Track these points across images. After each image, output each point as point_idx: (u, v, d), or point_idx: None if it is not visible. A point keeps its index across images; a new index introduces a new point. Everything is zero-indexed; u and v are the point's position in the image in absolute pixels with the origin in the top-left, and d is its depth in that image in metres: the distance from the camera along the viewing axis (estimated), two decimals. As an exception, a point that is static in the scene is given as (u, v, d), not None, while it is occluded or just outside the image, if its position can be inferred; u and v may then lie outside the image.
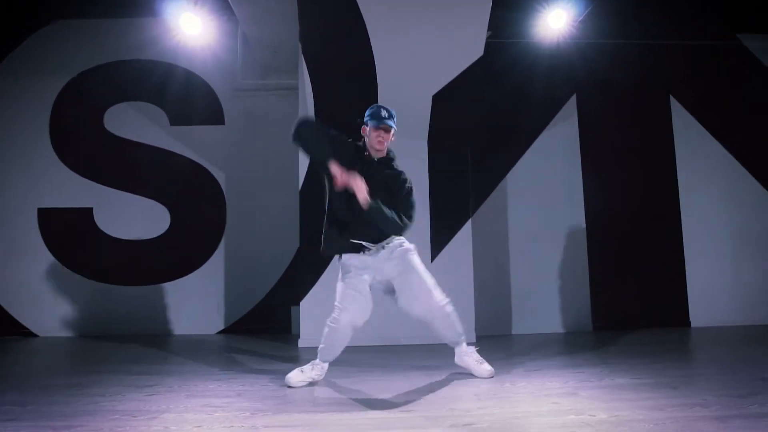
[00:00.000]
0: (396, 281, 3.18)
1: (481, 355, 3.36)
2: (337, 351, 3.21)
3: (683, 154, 6.06)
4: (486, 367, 3.26)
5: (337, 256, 3.27)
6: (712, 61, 6.16)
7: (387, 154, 3.27)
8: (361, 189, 2.96)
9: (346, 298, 3.11)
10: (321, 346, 3.20)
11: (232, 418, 2.35)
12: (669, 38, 6.09)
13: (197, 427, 2.22)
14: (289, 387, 3.03)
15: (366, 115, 3.27)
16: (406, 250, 3.21)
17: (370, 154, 3.21)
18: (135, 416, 2.37)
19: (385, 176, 3.19)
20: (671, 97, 6.10)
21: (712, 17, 6.06)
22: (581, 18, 5.68)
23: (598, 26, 5.88)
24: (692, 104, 6.10)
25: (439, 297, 3.22)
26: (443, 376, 3.31)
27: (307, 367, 3.16)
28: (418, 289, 3.16)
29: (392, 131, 3.22)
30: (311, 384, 3.11)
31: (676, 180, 6.02)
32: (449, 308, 3.24)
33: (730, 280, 5.91)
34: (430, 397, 2.79)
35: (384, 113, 3.19)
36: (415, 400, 2.69)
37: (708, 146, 6.10)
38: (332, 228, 3.15)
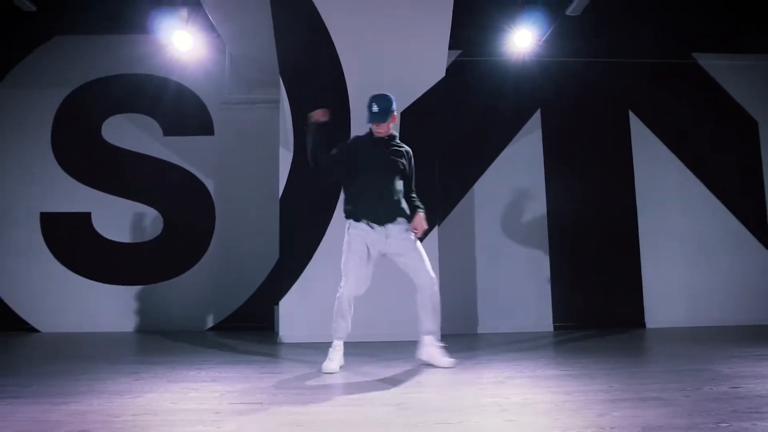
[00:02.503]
0: (398, 258, 3.66)
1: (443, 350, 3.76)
2: (346, 324, 3.62)
3: (640, 164, 6.50)
4: (446, 360, 3.66)
5: (347, 222, 3.70)
6: (669, 79, 6.60)
7: (389, 135, 3.74)
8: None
9: (348, 265, 3.60)
10: (333, 325, 3.63)
11: (204, 398, 2.79)
12: (629, 56, 6.53)
13: (173, 403, 2.66)
14: (328, 374, 3.45)
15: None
16: (403, 234, 3.66)
17: (374, 136, 3.70)
18: (122, 395, 2.81)
19: (390, 152, 3.69)
20: (630, 112, 6.55)
21: (669, 38, 6.48)
22: (545, 37, 6.11)
23: (561, 46, 6.31)
24: (649, 118, 6.55)
25: (433, 280, 3.67)
26: (395, 368, 3.74)
27: (331, 353, 3.58)
28: (417, 268, 3.63)
29: (387, 122, 3.64)
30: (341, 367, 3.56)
31: (634, 188, 6.46)
32: (438, 297, 3.69)
33: (683, 282, 6.34)
34: (377, 383, 3.22)
35: (375, 108, 3.60)
36: (362, 385, 3.12)
37: (664, 157, 6.54)
38: (349, 199, 3.71)
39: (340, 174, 3.74)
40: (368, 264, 3.63)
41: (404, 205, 3.74)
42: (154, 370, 3.66)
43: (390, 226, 3.63)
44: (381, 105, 3.59)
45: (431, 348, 3.71)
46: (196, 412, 2.52)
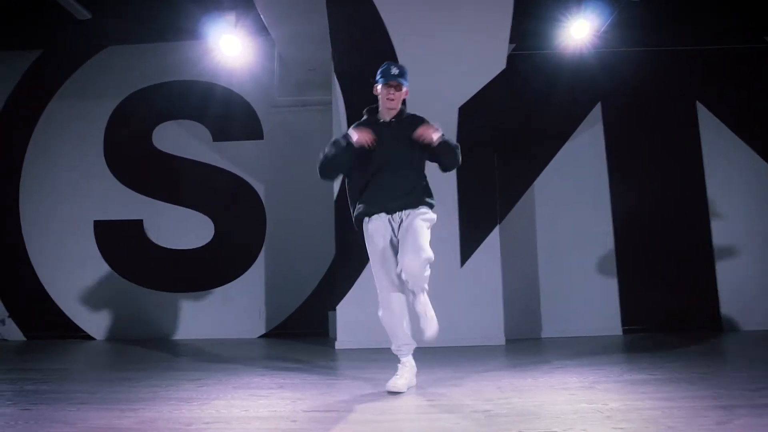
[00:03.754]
0: (400, 238, 3.03)
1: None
2: (405, 335, 3.08)
3: (711, 158, 6.11)
4: (398, 382, 2.95)
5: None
6: (738, 65, 6.22)
7: (400, 112, 3.17)
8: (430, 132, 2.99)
9: (377, 270, 3.07)
10: (394, 346, 3.12)
11: (274, 404, 2.63)
12: (693, 44, 6.18)
13: (244, 411, 2.51)
14: (398, 393, 2.90)
15: (376, 74, 3.17)
16: (417, 214, 3.04)
17: (383, 116, 3.16)
18: (189, 402, 2.67)
19: (407, 133, 3.06)
20: (697, 102, 6.18)
21: (737, 21, 6.11)
22: (604, 28, 5.83)
23: (621, 35, 6.00)
24: (719, 108, 6.16)
25: (423, 258, 2.94)
26: (466, 373, 3.52)
27: (400, 371, 3.03)
28: (411, 245, 2.94)
29: (404, 88, 3.12)
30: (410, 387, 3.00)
31: (704, 183, 6.08)
32: (425, 297, 3.05)
33: (761, 283, 5.92)
34: (454, 389, 3.01)
35: (394, 70, 3.09)
36: (440, 392, 2.92)
37: (736, 149, 6.13)
38: (355, 199, 3.17)
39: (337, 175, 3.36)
40: (393, 256, 3.05)
41: (427, 191, 3.18)
42: (216, 376, 3.54)
43: (401, 213, 3.07)
44: (401, 69, 3.11)
45: (403, 364, 3.09)
46: (271, 420, 2.36)
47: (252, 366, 4.04)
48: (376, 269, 3.10)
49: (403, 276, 2.98)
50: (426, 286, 3.03)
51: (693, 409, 2.38)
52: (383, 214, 3.07)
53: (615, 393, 2.80)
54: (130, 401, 2.70)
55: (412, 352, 3.12)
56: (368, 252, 3.13)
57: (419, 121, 3.12)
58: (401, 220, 3.05)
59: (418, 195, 3.11)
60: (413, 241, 2.93)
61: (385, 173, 3.08)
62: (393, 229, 3.07)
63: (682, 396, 2.63)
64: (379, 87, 3.13)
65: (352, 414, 2.43)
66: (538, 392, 2.89)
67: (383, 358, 3.95)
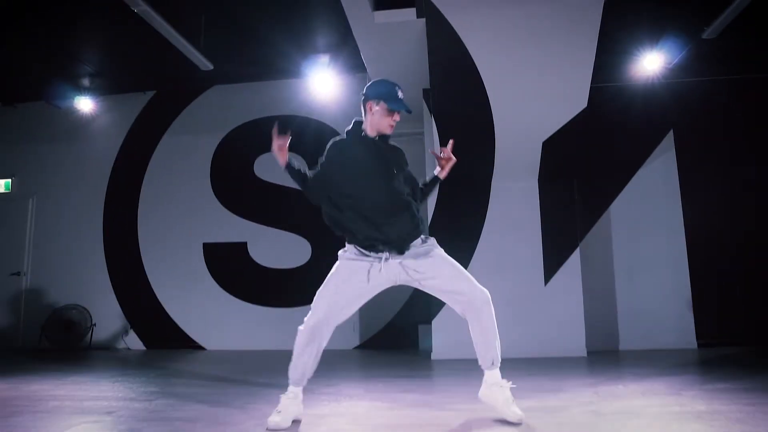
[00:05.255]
0: (426, 282, 2.78)
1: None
2: (305, 369, 2.82)
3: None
4: (516, 410, 2.66)
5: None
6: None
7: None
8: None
9: (324, 294, 2.85)
10: (290, 365, 2.85)
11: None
12: (761, 72, 6.49)
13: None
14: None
15: (377, 90, 2.87)
16: (423, 252, 2.76)
17: (367, 134, 2.88)
18: (337, 400, 3.29)
19: (388, 153, 2.87)
20: (768, 126, 6.49)
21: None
22: (676, 60, 6.23)
23: (692, 67, 6.38)
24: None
25: (486, 293, 2.73)
26: (562, 381, 4.02)
27: (281, 406, 2.74)
28: (460, 281, 2.74)
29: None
30: (295, 421, 2.76)
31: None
32: (490, 304, 2.74)
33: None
34: (557, 394, 3.52)
35: (401, 94, 2.82)
36: (543, 396, 3.43)
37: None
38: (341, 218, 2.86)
39: (323, 197, 2.94)
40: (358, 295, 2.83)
41: (418, 219, 2.82)
42: (351, 384, 4.14)
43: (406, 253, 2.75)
44: (403, 93, 2.84)
45: (495, 389, 2.75)
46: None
47: (364, 374, 4.66)
48: (324, 294, 2.84)
49: (471, 309, 2.71)
50: (498, 351, 2.76)
51: (771, 411, 2.82)
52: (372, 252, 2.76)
53: (700, 399, 3.25)
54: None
55: (299, 387, 2.81)
56: (329, 275, 2.87)
57: (398, 149, 2.95)
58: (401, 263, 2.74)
59: (414, 221, 2.79)
60: (463, 278, 2.73)
61: (377, 192, 2.79)
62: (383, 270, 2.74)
63: (762, 402, 3.06)
64: (378, 106, 2.83)
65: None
66: (633, 397, 3.38)
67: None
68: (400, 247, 2.75)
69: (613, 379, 4.11)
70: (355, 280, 2.78)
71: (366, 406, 3.32)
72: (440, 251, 2.80)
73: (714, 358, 5.30)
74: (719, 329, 6.17)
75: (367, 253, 2.78)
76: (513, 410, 2.66)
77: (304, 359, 2.79)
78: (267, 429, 2.63)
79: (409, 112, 2.85)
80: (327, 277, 2.86)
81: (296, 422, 2.75)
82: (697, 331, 6.16)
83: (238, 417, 3.02)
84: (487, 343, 2.74)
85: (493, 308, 2.73)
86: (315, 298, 2.84)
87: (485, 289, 2.73)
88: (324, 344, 2.82)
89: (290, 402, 2.76)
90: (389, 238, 2.73)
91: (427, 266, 2.74)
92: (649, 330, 6.18)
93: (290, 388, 2.81)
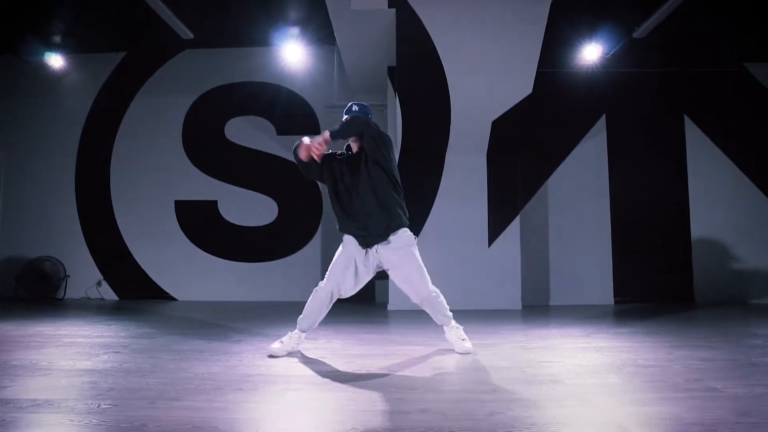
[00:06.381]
0: (390, 272, 3.44)
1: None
2: (315, 321, 3.50)
3: (694, 163, 7.39)
4: (466, 345, 3.51)
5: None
6: (719, 86, 7.44)
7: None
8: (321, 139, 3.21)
9: (334, 269, 3.40)
10: (300, 316, 3.50)
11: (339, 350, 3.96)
12: (685, 67, 7.39)
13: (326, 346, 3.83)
14: (271, 357, 3.33)
15: (344, 112, 3.57)
16: (400, 246, 3.35)
17: (351, 149, 3.50)
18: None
19: (362, 158, 3.38)
20: (685, 117, 7.43)
21: (721, 48, 7.28)
22: (611, 54, 7.03)
23: (624, 58, 7.21)
24: (702, 121, 7.41)
25: (429, 289, 3.45)
26: (499, 327, 4.85)
27: (285, 338, 3.46)
28: (411, 282, 3.42)
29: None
30: (290, 354, 3.41)
31: (687, 182, 7.37)
32: (436, 294, 3.49)
33: (730, 265, 7.25)
34: (496, 335, 4.33)
35: (354, 107, 3.53)
36: (489, 333, 4.24)
37: (715, 155, 7.39)
38: (337, 215, 3.46)
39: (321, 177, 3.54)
40: (355, 274, 3.41)
41: (397, 211, 3.37)
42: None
43: (380, 245, 3.35)
44: (360, 107, 3.54)
45: (452, 331, 3.60)
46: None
47: (330, 320, 5.37)
48: (335, 267, 3.39)
49: (424, 307, 3.54)
50: (449, 313, 3.56)
51: (653, 347, 3.71)
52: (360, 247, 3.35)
53: (605, 338, 4.14)
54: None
55: (304, 333, 3.52)
56: (337, 253, 3.43)
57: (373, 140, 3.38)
58: (381, 251, 3.33)
59: (391, 215, 3.33)
60: (413, 286, 3.43)
61: (352, 197, 3.37)
62: (366, 261, 3.35)
63: (650, 340, 3.96)
64: None
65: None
66: (554, 338, 4.23)
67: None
68: (373, 241, 3.36)
69: (540, 325, 4.99)
70: (355, 256, 3.41)
71: (340, 342, 4.04)
72: (407, 252, 3.38)
73: (626, 311, 6.29)
74: (635, 288, 7.19)
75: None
76: (465, 345, 3.51)
77: (312, 318, 3.50)
78: (268, 354, 3.38)
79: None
80: (336, 254, 3.47)
81: (292, 354, 3.45)
82: (615, 289, 7.17)
83: (235, 348, 3.70)
84: (438, 316, 3.58)
85: (438, 299, 3.49)
86: (330, 268, 3.47)
87: (432, 291, 3.46)
88: (329, 304, 3.53)
89: (292, 339, 3.47)
90: (370, 235, 3.36)
91: (392, 261, 3.37)
92: (575, 288, 7.15)
93: (296, 331, 3.50)
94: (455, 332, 3.58)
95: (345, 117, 3.49)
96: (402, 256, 3.36)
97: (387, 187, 3.35)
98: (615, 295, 7.17)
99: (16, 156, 8.32)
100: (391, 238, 3.33)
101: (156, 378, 2.76)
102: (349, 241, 3.40)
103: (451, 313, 3.59)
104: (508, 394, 2.45)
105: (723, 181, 7.37)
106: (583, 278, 7.21)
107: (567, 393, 2.46)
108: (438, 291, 3.51)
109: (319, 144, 3.21)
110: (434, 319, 3.62)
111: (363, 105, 3.62)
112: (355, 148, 3.46)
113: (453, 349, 3.56)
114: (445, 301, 3.56)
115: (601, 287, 7.20)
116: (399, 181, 3.45)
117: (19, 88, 8.39)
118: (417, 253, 3.42)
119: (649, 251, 7.26)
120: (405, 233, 3.39)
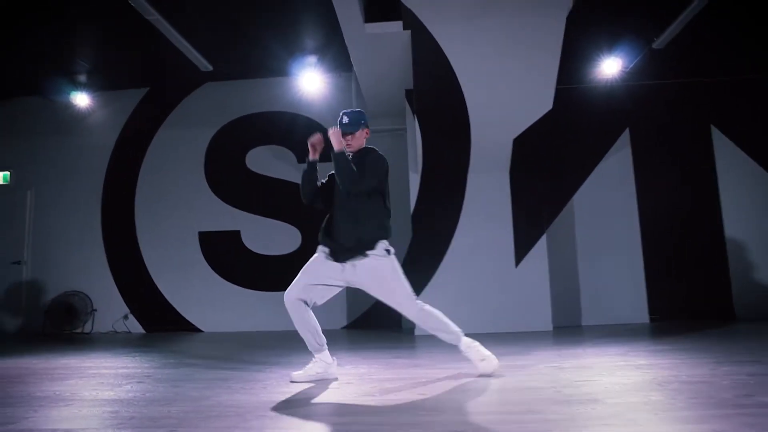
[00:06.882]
0: (371, 291, 3.37)
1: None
2: (312, 335, 3.38)
3: (724, 173, 7.18)
4: (487, 364, 3.31)
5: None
6: (746, 93, 7.26)
7: (360, 151, 3.45)
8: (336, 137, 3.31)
9: (299, 279, 3.42)
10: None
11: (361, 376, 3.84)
12: (709, 76, 7.24)
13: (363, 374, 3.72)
14: (293, 382, 3.30)
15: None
16: (372, 266, 3.26)
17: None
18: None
19: (358, 165, 3.33)
20: (712, 126, 7.25)
21: (743, 55, 7.11)
22: (631, 66, 6.93)
23: (645, 70, 7.10)
24: (730, 131, 7.23)
25: (412, 307, 3.29)
26: (532, 348, 4.69)
27: (308, 365, 3.41)
28: (391, 301, 3.34)
29: (356, 133, 3.41)
30: (318, 380, 3.34)
31: (718, 194, 7.15)
32: (428, 309, 3.31)
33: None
34: (529, 356, 4.18)
35: (344, 119, 3.43)
36: (520, 355, 4.09)
37: (746, 164, 7.18)
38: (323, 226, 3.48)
39: (319, 202, 3.63)
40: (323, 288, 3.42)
41: (373, 229, 3.31)
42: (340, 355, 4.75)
43: (350, 262, 3.31)
44: (351, 116, 3.43)
45: (472, 351, 3.36)
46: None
47: (358, 346, 5.28)
48: (302, 274, 3.42)
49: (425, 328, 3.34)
50: (455, 329, 3.32)
51: (696, 363, 3.53)
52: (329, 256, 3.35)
53: (643, 356, 3.95)
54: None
55: (321, 353, 3.40)
56: (309, 261, 3.43)
57: (367, 152, 3.44)
58: (353, 269, 3.29)
59: (365, 231, 3.28)
60: (398, 306, 3.31)
61: (340, 204, 3.41)
62: (340, 276, 3.34)
63: (692, 357, 3.78)
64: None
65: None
66: (589, 357, 4.06)
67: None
68: (343, 257, 3.36)
69: (574, 345, 4.81)
70: (323, 269, 3.47)
71: (366, 367, 3.93)
72: (382, 272, 3.28)
73: (663, 328, 6.06)
74: (670, 305, 6.94)
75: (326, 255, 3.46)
76: (486, 366, 3.31)
77: (303, 327, 3.41)
78: (290, 380, 3.35)
79: (344, 132, 3.44)
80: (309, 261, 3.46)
81: (321, 381, 3.36)
82: (650, 307, 6.93)
83: (260, 376, 3.62)
84: (443, 335, 3.34)
85: (429, 313, 3.29)
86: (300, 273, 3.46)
87: (419, 304, 3.29)
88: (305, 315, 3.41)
89: (316, 365, 3.40)
90: (341, 247, 3.37)
91: (367, 282, 3.33)
92: (607, 307, 6.93)
93: (314, 357, 3.43)
94: (474, 352, 3.33)
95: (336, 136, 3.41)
96: (375, 273, 3.28)
97: (363, 198, 3.32)
98: (650, 313, 6.92)
99: (43, 193, 8.48)
100: (369, 252, 3.25)
101: (178, 407, 2.69)
102: (319, 250, 3.44)
103: (458, 329, 3.33)
104: (545, 415, 2.32)
105: (756, 190, 7.14)
106: (615, 297, 6.99)
107: (608, 412, 2.31)
108: (427, 306, 3.30)
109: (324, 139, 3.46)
110: (443, 339, 3.36)
111: (355, 114, 3.49)
112: (354, 147, 3.49)
113: (476, 370, 3.35)
114: (443, 316, 3.32)
115: (635, 305, 6.97)
116: (384, 191, 3.38)
117: (46, 127, 8.60)
118: (394, 267, 3.28)
119: (683, 266, 7.03)
120: (380, 246, 3.28)
